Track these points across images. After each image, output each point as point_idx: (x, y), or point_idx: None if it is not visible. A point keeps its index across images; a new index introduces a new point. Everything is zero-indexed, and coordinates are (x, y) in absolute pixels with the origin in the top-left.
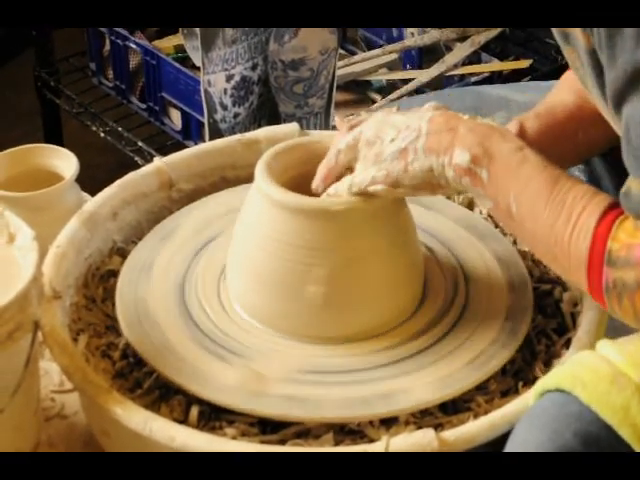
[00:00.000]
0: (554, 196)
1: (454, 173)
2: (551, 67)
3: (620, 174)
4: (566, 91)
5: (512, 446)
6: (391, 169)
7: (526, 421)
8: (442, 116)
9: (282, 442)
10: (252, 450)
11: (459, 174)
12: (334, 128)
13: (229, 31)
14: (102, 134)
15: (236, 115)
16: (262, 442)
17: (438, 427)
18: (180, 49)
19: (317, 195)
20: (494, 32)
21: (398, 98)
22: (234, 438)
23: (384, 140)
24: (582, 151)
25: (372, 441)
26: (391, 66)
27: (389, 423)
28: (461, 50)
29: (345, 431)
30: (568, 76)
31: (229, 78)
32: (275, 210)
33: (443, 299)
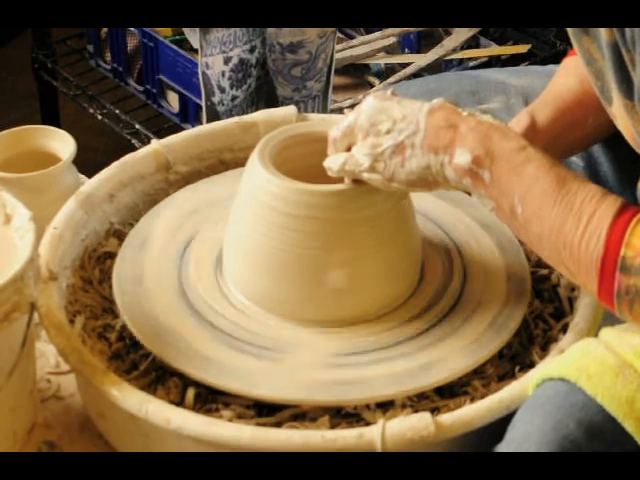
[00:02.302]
0: (562, 197)
1: (454, 173)
2: (549, 52)
3: (619, 158)
4: (571, 77)
5: (514, 434)
6: (388, 163)
7: (529, 409)
8: (441, 111)
9: (278, 425)
10: (247, 432)
11: (460, 174)
12: (332, 112)
13: None
14: (99, 116)
15: (234, 98)
16: (258, 424)
17: (435, 411)
18: (178, 31)
19: (314, 180)
20: None
21: (396, 82)
22: (230, 420)
23: (380, 130)
24: (591, 137)
25: (368, 424)
26: (390, 50)
27: (385, 406)
28: (460, 34)
29: (341, 414)
30: (570, 62)
31: (227, 61)
32: (273, 195)
33: (440, 283)
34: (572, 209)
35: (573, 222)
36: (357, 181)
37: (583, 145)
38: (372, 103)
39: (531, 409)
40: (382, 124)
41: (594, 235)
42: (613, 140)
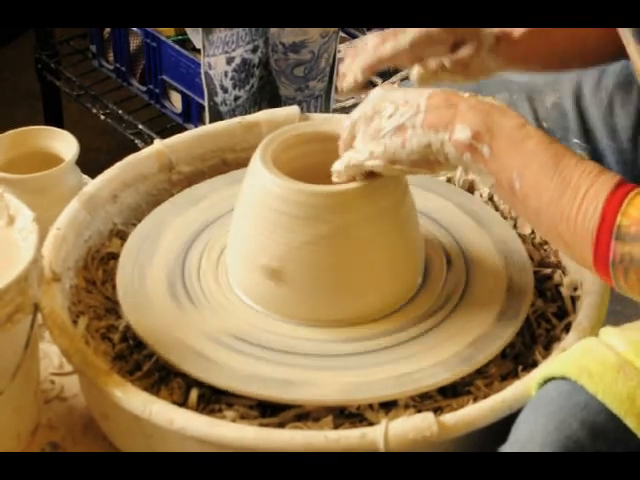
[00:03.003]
0: (559, 172)
1: (454, 149)
2: None
3: (624, 150)
4: None
5: (518, 435)
6: (389, 144)
7: (531, 410)
8: (442, 93)
9: (281, 425)
10: (251, 433)
11: (460, 150)
12: (335, 111)
13: None
14: (102, 117)
15: (236, 98)
16: (261, 425)
17: (438, 411)
18: (180, 31)
19: (317, 180)
20: None
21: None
22: (233, 421)
23: (382, 116)
24: (589, 50)
25: (371, 424)
26: None
27: (388, 407)
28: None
29: (345, 414)
30: None
31: (230, 61)
32: (275, 196)
33: (443, 283)
34: (570, 183)
35: (570, 195)
36: (370, 176)
37: (583, 58)
38: (377, 92)
39: (534, 410)
40: (385, 110)
41: (591, 206)
42: (617, 133)
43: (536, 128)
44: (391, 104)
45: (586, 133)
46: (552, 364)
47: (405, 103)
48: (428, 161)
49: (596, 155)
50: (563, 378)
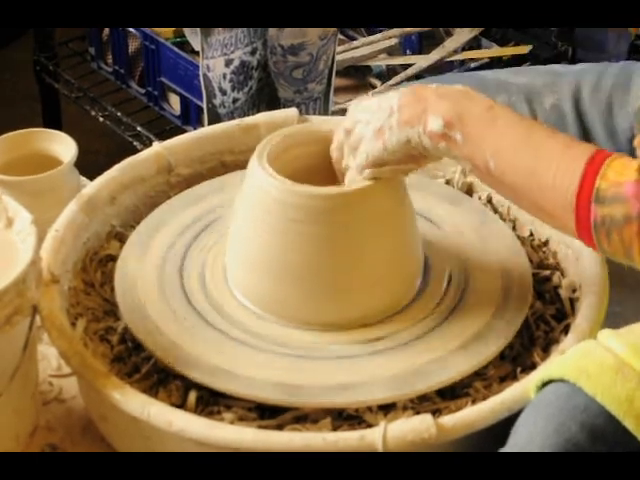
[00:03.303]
0: (532, 145)
1: (430, 140)
2: (551, 53)
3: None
4: None
5: (517, 437)
6: (370, 149)
7: (530, 412)
8: (410, 91)
9: (280, 427)
10: (249, 435)
11: (435, 140)
12: (333, 113)
13: None
14: (101, 119)
15: (235, 100)
16: (260, 427)
17: (436, 413)
18: (179, 34)
19: (316, 182)
20: None
21: (398, 83)
22: (232, 423)
23: (361, 124)
24: None
25: (370, 426)
26: (391, 51)
27: (387, 409)
28: (461, 35)
29: (343, 416)
30: None
31: (228, 63)
32: (273, 198)
33: (441, 285)
34: (543, 154)
35: (545, 165)
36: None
37: None
38: (352, 106)
39: (533, 412)
40: (362, 118)
41: (568, 171)
42: (616, 135)
43: (505, 107)
44: (366, 112)
45: (585, 135)
46: (551, 366)
47: (379, 108)
48: (412, 156)
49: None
50: (562, 380)
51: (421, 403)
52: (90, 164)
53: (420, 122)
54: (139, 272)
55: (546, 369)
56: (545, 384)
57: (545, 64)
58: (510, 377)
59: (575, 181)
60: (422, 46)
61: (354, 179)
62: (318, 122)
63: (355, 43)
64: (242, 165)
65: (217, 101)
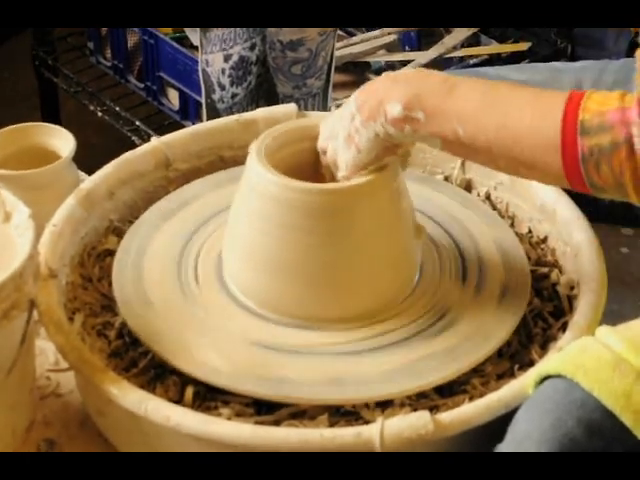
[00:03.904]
0: (497, 102)
1: (394, 127)
2: (550, 50)
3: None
4: None
5: (514, 433)
6: (346, 158)
7: (528, 408)
8: (363, 90)
9: (277, 423)
10: (246, 431)
11: (399, 126)
12: (332, 109)
13: None
14: (100, 113)
15: (234, 95)
16: (257, 423)
17: (433, 409)
18: (178, 29)
19: (313, 178)
20: None
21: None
22: (229, 419)
23: (332, 139)
24: None
25: (367, 423)
26: (390, 47)
27: (384, 405)
28: (460, 32)
29: (340, 412)
30: None
31: (227, 58)
32: (270, 193)
33: (439, 281)
34: (513, 105)
35: (517, 115)
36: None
37: None
38: (322, 125)
39: (531, 407)
40: (330, 133)
41: (547, 114)
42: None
43: (461, 77)
44: (332, 127)
45: None
46: (548, 362)
47: (341, 118)
48: (386, 148)
49: None
50: (559, 376)
51: (418, 400)
52: (88, 159)
53: (380, 114)
54: (137, 267)
55: (544, 365)
56: (543, 380)
57: (544, 61)
58: (508, 374)
59: (556, 120)
60: (421, 42)
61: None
62: (317, 118)
63: (354, 39)
64: (241, 160)
65: (216, 96)
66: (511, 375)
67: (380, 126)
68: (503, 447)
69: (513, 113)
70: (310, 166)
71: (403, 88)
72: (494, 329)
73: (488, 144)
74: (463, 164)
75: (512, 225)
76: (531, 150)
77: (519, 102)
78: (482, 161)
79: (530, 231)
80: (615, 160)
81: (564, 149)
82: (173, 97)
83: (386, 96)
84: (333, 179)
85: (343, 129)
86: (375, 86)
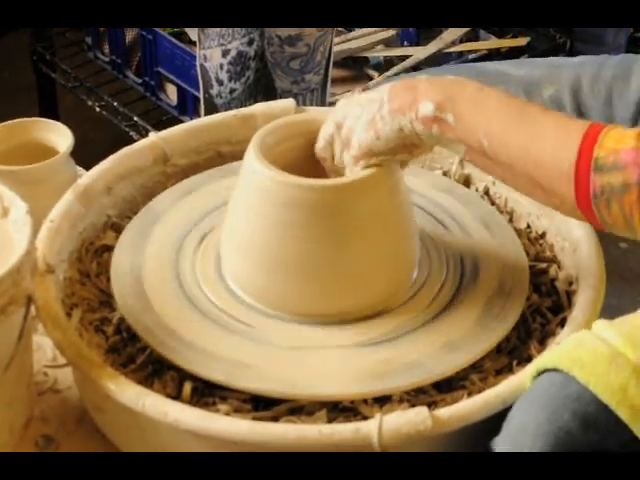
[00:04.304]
0: (525, 122)
1: (423, 125)
2: (549, 45)
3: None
4: None
5: (510, 426)
6: (362, 140)
7: (524, 401)
8: (400, 82)
9: (275, 418)
10: (244, 426)
11: (427, 125)
12: (331, 104)
13: None
14: (98, 109)
15: (232, 90)
16: (255, 418)
17: (432, 405)
18: None
19: (312, 173)
20: None
21: (395, 74)
22: (227, 414)
23: (352, 118)
24: None
25: (365, 418)
26: (388, 43)
27: (383, 401)
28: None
29: (339, 408)
30: None
31: (225, 53)
32: (268, 189)
33: (438, 277)
34: (537, 129)
35: (540, 140)
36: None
37: None
38: (342, 102)
39: (527, 401)
40: (353, 112)
41: (565, 145)
42: (614, 123)
43: (496, 89)
44: (357, 106)
45: None
46: (545, 356)
47: (369, 101)
48: (405, 145)
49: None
50: (555, 370)
51: (417, 395)
52: (86, 154)
53: (411, 110)
54: (135, 263)
55: (540, 359)
56: (540, 373)
57: (543, 56)
58: (506, 370)
59: (573, 152)
60: (420, 38)
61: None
62: (315, 113)
63: (352, 34)
64: (239, 156)
65: (214, 91)
66: (509, 371)
67: (408, 121)
68: (499, 440)
69: (537, 138)
70: (309, 161)
71: (439, 89)
72: (492, 325)
73: (510, 162)
74: (462, 159)
75: (510, 220)
76: (548, 179)
77: (544, 128)
78: (502, 177)
79: (529, 226)
80: (626, 201)
81: (577, 184)
82: (171, 92)
83: (421, 94)
84: (332, 169)
85: (368, 113)
86: (413, 83)
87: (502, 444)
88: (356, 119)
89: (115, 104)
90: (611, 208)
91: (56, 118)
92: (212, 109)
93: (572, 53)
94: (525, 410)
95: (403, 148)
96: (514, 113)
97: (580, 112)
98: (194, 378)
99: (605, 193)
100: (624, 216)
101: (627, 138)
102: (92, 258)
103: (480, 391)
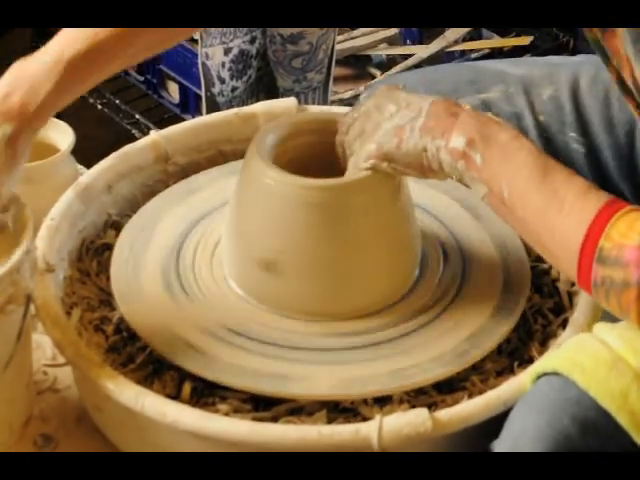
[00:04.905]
0: (547, 184)
1: (450, 156)
2: (552, 44)
3: (620, 146)
4: None
5: (510, 430)
6: (384, 142)
7: (524, 405)
8: (444, 102)
9: (275, 419)
10: (244, 427)
11: (455, 157)
12: (333, 103)
13: None
14: (99, 106)
15: (234, 89)
16: (254, 419)
17: (432, 406)
18: None
19: (314, 172)
20: None
21: (398, 73)
22: (227, 414)
23: (383, 113)
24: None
25: (365, 419)
26: (391, 41)
27: (383, 402)
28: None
29: (339, 409)
30: None
31: (227, 51)
32: (269, 188)
33: (439, 277)
34: (556, 196)
35: (556, 208)
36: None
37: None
38: (382, 90)
39: (526, 405)
40: (387, 108)
41: (576, 223)
42: (614, 127)
43: (531, 141)
44: (393, 105)
45: (583, 126)
46: (545, 359)
47: (407, 106)
48: (421, 165)
49: (592, 150)
50: (556, 373)
51: (417, 396)
52: (87, 152)
53: (443, 137)
54: (135, 262)
55: (540, 362)
56: (540, 376)
57: (546, 55)
58: (507, 371)
59: (581, 235)
60: (422, 36)
61: (356, 165)
62: (317, 112)
63: (355, 32)
64: (240, 154)
65: (216, 90)
66: (510, 372)
67: (435, 146)
68: (499, 443)
69: (554, 204)
70: (310, 161)
71: (476, 126)
72: (493, 326)
73: (525, 219)
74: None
75: None
76: (557, 248)
77: (564, 196)
78: (514, 226)
79: None
80: (624, 298)
81: (580, 267)
82: (173, 90)
83: (458, 125)
84: (344, 157)
85: (402, 118)
86: (455, 109)
87: (501, 447)
88: (387, 119)
89: (117, 102)
90: (609, 300)
91: (57, 116)
92: (214, 107)
93: (575, 52)
94: (525, 413)
95: (419, 167)
96: (540, 171)
97: (579, 112)
98: (194, 378)
99: (605, 285)
100: (621, 310)
101: (633, 232)
102: (92, 257)
103: (481, 392)
